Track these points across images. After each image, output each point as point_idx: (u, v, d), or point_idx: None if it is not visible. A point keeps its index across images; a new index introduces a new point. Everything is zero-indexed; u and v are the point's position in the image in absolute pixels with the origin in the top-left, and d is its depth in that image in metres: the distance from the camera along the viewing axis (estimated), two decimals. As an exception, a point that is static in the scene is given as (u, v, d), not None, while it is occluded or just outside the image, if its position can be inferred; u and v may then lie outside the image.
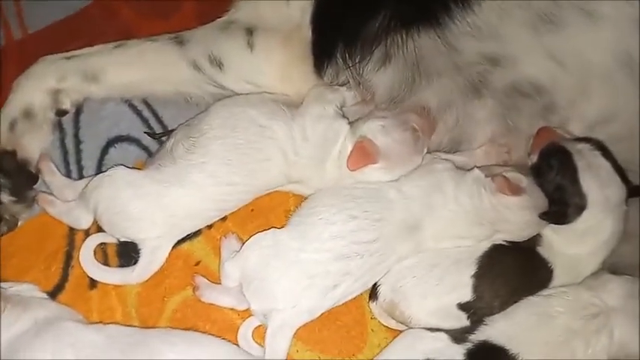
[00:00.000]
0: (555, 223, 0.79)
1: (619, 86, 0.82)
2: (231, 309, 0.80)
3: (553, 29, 0.83)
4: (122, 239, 0.82)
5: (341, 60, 0.90)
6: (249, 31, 0.91)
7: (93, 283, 0.82)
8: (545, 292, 0.77)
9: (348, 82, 0.91)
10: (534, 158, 0.83)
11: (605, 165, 0.78)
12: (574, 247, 0.79)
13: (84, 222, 0.83)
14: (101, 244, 0.84)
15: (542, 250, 0.80)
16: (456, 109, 0.88)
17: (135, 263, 0.80)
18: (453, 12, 0.84)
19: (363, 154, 0.80)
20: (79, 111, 0.93)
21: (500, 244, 0.80)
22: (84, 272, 0.81)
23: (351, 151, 0.81)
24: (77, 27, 1.03)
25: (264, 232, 0.80)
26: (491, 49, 0.85)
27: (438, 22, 0.85)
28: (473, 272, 0.77)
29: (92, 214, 0.81)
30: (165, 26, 1.01)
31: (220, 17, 0.94)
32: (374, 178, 0.82)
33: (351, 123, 0.86)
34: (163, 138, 0.91)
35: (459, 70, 0.86)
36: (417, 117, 0.86)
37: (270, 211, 0.89)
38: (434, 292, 0.77)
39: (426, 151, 0.85)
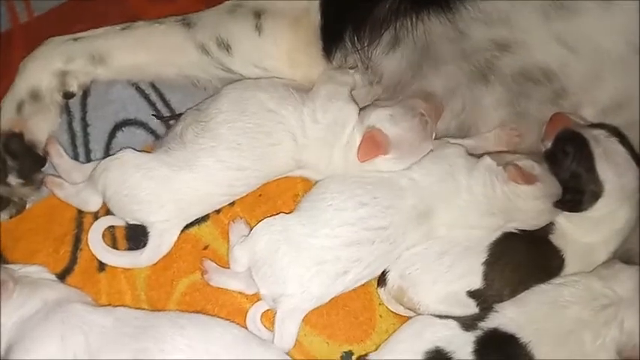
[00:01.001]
0: (570, 211, 0.78)
1: (632, 72, 0.80)
2: (240, 293, 0.80)
3: (565, 15, 0.81)
4: (131, 222, 0.82)
5: (350, 43, 0.89)
6: (257, 15, 0.90)
7: (102, 266, 0.82)
8: (556, 280, 0.76)
9: (357, 65, 0.90)
10: (548, 144, 0.81)
11: (622, 152, 0.77)
12: (587, 235, 0.78)
13: (92, 204, 0.83)
14: (110, 227, 0.83)
15: (554, 239, 0.79)
16: (462, 95, 0.87)
17: (144, 246, 0.80)
18: None
19: (373, 144, 0.79)
20: (86, 94, 0.93)
21: (512, 232, 0.79)
22: (93, 255, 0.81)
23: (361, 142, 0.80)
24: (83, 10, 1.02)
25: (273, 217, 0.79)
26: (502, 35, 0.83)
27: (448, 7, 0.83)
28: (483, 260, 0.76)
29: (101, 196, 0.81)
30: (172, 9, 0.99)
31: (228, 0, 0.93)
32: (385, 168, 0.81)
33: (362, 109, 0.84)
34: (171, 122, 0.90)
35: (467, 56, 0.85)
36: (423, 102, 0.84)
37: (278, 197, 0.88)
38: (443, 278, 0.76)
39: (434, 135, 0.84)
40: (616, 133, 0.78)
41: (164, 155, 0.81)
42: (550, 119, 0.82)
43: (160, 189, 0.78)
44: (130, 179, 0.78)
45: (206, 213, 0.85)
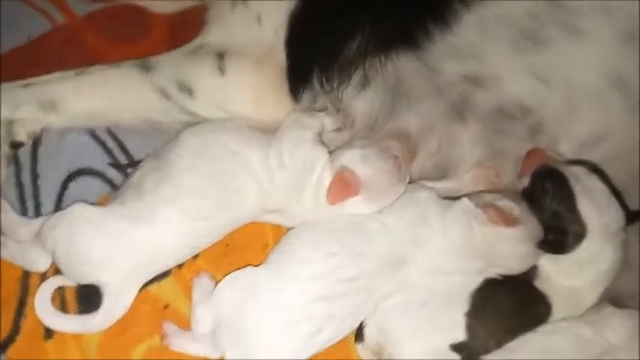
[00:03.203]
0: (553, 253, 0.74)
1: (608, 105, 0.79)
2: (204, 358, 0.73)
3: (536, 47, 0.80)
4: (82, 283, 0.75)
5: (318, 84, 0.87)
6: (220, 56, 0.87)
7: (49, 333, 0.75)
8: (544, 328, 0.72)
9: (327, 107, 0.88)
10: (525, 181, 0.78)
11: (602, 189, 0.74)
12: (573, 278, 0.74)
13: (40, 264, 0.76)
14: (59, 288, 0.76)
15: (539, 283, 0.75)
16: (438, 133, 0.84)
17: (97, 309, 0.73)
18: (431, 32, 0.82)
19: (344, 186, 0.75)
20: (36, 143, 0.87)
21: (494, 278, 0.74)
22: (39, 321, 0.74)
23: (331, 184, 0.76)
24: (38, 54, 0.97)
25: (240, 270, 0.74)
26: (473, 69, 0.82)
27: (416, 44, 0.82)
28: (465, 310, 0.72)
29: (50, 255, 0.75)
30: (134, 51, 0.96)
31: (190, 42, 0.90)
32: (355, 211, 0.76)
33: (330, 152, 0.81)
34: (129, 170, 0.85)
35: (440, 93, 0.83)
36: (397, 143, 0.82)
37: (246, 246, 0.83)
38: (424, 332, 0.71)
39: (408, 178, 0.81)
40: (595, 169, 0.76)
41: (119, 207, 0.75)
42: (526, 155, 0.79)
43: (114, 246, 0.73)
44: (80, 236, 0.72)
45: (167, 269, 0.78)
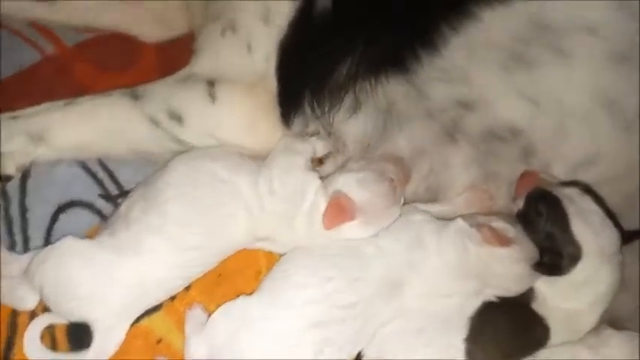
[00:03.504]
0: (549, 275, 0.74)
1: (599, 126, 0.79)
2: (199, 393, 0.71)
3: (524, 69, 0.80)
4: (72, 320, 0.73)
5: (309, 109, 0.87)
6: (211, 83, 0.86)
7: (39, 373, 0.73)
8: (542, 353, 0.71)
9: (319, 131, 0.87)
10: (520, 204, 0.78)
11: (596, 210, 0.74)
12: (570, 300, 0.73)
13: (30, 302, 0.74)
14: (49, 326, 0.74)
15: (536, 306, 0.74)
16: (430, 156, 0.84)
17: (88, 347, 0.71)
18: (420, 56, 0.82)
19: (340, 210, 0.75)
20: (25, 175, 0.85)
21: (491, 302, 0.74)
22: (28, 360, 0.72)
23: (327, 209, 0.75)
24: (27, 85, 0.96)
25: (233, 300, 0.73)
26: (463, 92, 0.82)
27: (406, 68, 0.83)
28: (464, 336, 0.71)
29: (38, 292, 0.73)
30: (124, 80, 0.95)
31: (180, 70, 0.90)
32: (351, 236, 0.76)
33: (322, 177, 0.80)
34: (119, 200, 0.84)
35: (431, 116, 0.84)
36: (392, 166, 0.81)
37: (238, 275, 0.81)
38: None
39: (402, 201, 0.80)
40: (588, 190, 0.76)
41: (107, 239, 0.74)
42: (519, 177, 0.79)
43: (103, 280, 0.71)
44: (67, 271, 0.71)
45: (158, 302, 0.77)
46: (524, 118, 0.81)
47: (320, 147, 0.86)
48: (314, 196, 0.77)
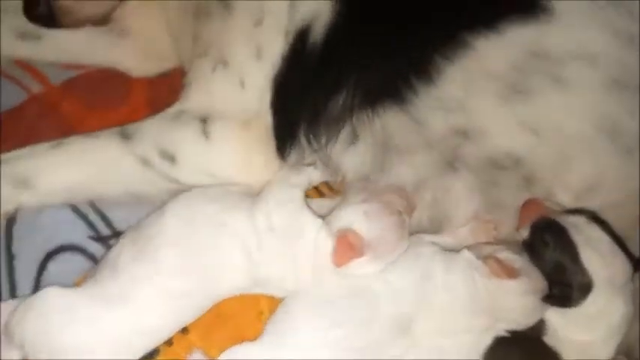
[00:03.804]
0: (560, 307, 0.72)
1: (601, 152, 0.79)
2: None
3: (522, 98, 0.80)
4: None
5: (305, 141, 0.86)
6: (203, 120, 0.84)
7: None
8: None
9: (315, 162, 0.86)
10: (524, 233, 0.77)
11: (605, 239, 0.72)
12: (583, 333, 0.71)
13: (14, 356, 0.69)
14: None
15: (548, 339, 0.72)
16: (432, 186, 0.83)
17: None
18: (414, 86, 0.82)
19: (349, 248, 0.72)
20: (11, 220, 0.81)
21: (503, 337, 0.71)
22: None
23: (335, 247, 0.72)
24: (12, 125, 0.92)
25: (237, 346, 0.70)
26: (460, 122, 0.82)
27: (401, 98, 0.82)
28: (478, 375, 0.68)
29: (20, 350, 0.68)
30: (113, 118, 0.93)
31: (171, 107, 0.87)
32: (360, 272, 0.73)
33: (323, 216, 0.77)
34: (112, 241, 0.80)
35: (430, 146, 0.83)
36: (396, 197, 0.79)
37: (239, 316, 0.77)
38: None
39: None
40: (595, 218, 0.75)
41: (93, 287, 0.70)
42: (523, 206, 0.78)
43: (88, 332, 0.67)
44: (51, 326, 0.66)
45: (150, 350, 0.72)
46: (524, 147, 0.80)
47: (316, 176, 0.84)
48: (316, 233, 0.74)
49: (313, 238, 0.74)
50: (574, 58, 0.79)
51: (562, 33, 0.81)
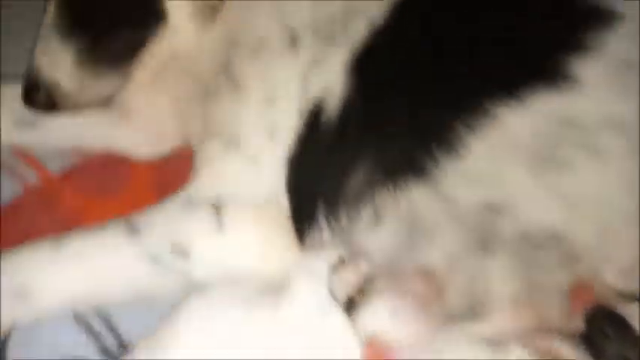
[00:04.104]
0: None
1: None
2: None
3: (555, 169, 0.75)
4: None
5: (325, 223, 0.80)
6: (217, 208, 0.78)
7: None
8: None
9: (336, 246, 0.80)
10: (577, 323, 0.69)
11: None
12: None
13: None
14: None
15: None
16: (464, 269, 0.76)
17: None
18: (439, 160, 0.77)
19: (377, 353, 0.68)
20: (6, 337, 0.74)
21: None
22: None
23: (364, 353, 0.68)
24: (9, 221, 0.87)
25: None
26: (491, 197, 0.76)
27: (424, 172, 0.77)
28: None
29: None
30: (116, 205, 0.87)
31: (180, 191, 0.81)
32: None
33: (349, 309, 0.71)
34: (120, 357, 0.73)
35: (460, 223, 0.77)
36: (422, 285, 0.74)
37: None
38: None
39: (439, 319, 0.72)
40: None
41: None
42: (572, 294, 0.71)
43: None
44: None
45: None
46: (561, 222, 0.74)
47: (336, 259, 0.76)
48: (342, 334, 0.69)
49: (342, 345, 0.69)
50: (603, 127, 0.75)
51: (589, 100, 0.77)
